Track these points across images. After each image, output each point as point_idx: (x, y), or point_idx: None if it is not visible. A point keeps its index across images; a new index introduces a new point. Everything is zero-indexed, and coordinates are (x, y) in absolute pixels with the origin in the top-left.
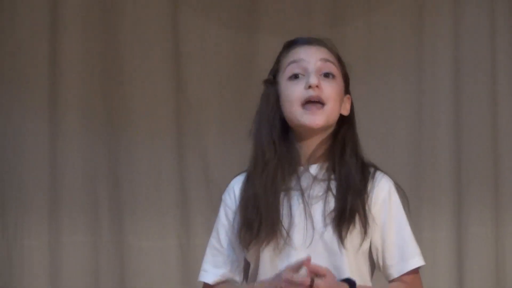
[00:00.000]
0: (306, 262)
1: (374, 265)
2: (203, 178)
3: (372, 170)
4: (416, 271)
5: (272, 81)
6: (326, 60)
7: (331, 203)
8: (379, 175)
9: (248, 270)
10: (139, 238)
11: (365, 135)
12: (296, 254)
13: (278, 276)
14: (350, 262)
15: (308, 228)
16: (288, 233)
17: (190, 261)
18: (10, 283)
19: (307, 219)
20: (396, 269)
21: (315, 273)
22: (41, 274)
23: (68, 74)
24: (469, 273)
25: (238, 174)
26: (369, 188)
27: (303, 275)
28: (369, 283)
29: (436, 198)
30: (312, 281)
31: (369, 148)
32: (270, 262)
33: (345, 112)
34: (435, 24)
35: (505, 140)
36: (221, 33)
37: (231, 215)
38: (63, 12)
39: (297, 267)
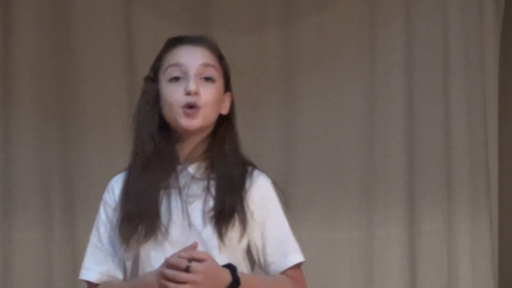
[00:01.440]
0: (192, 247)
1: (253, 262)
2: None
3: (250, 168)
4: (297, 266)
5: (152, 79)
6: (207, 65)
7: (210, 202)
8: (257, 174)
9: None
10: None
11: (317, 133)
12: (173, 250)
13: (163, 263)
14: (228, 258)
15: (185, 225)
16: (167, 230)
17: None
18: None
19: (184, 217)
20: (278, 266)
21: (194, 258)
22: None
23: (20, 70)
24: (421, 270)
25: (118, 173)
26: (247, 186)
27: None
28: None
29: (389, 195)
30: (188, 265)
31: (321, 145)
32: (148, 257)
33: (224, 111)
34: (388, 21)
35: (457, 138)
36: (173, 29)
37: (110, 213)
38: (15, 8)
39: (171, 266)
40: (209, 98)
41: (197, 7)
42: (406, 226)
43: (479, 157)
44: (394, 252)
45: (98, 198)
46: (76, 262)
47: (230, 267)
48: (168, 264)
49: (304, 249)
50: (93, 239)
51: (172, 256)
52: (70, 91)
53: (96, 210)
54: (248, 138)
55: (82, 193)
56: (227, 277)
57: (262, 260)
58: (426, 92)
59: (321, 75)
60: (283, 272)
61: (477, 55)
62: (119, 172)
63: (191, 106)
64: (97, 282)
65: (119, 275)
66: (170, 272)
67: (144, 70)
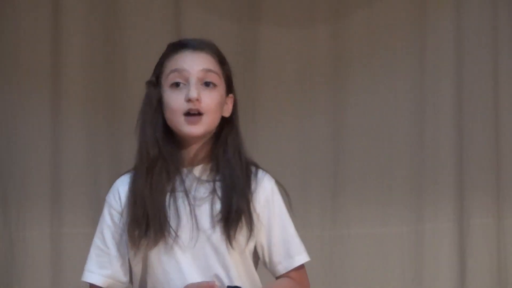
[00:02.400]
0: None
1: (258, 260)
2: None
3: (254, 169)
4: (302, 266)
5: (155, 83)
6: (208, 70)
7: (217, 204)
8: (261, 174)
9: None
10: None
11: (366, 127)
12: (183, 255)
13: None
14: (237, 261)
15: (194, 229)
16: (176, 234)
17: None
18: (12, 274)
19: (192, 220)
20: (283, 266)
21: None
22: (42, 266)
23: (70, 67)
24: (471, 264)
25: (122, 174)
26: (252, 187)
27: None
28: (256, 277)
29: (438, 189)
30: None
31: (370, 140)
32: (158, 263)
33: (227, 113)
34: (437, 15)
35: (506, 133)
36: (222, 25)
37: (116, 216)
38: (65, 3)
39: None
40: (211, 104)
41: (247, 2)
42: (456, 220)
43: None
44: (443, 246)
45: None
46: None
47: None
48: None
49: (354, 244)
50: (97, 241)
51: None
52: (120, 87)
53: None
54: (298, 133)
55: None
56: None
57: (267, 260)
58: (476, 87)
59: (370, 70)
60: (287, 273)
61: None
62: (123, 173)
63: (192, 113)
64: (101, 285)
65: (123, 278)
66: None
67: None
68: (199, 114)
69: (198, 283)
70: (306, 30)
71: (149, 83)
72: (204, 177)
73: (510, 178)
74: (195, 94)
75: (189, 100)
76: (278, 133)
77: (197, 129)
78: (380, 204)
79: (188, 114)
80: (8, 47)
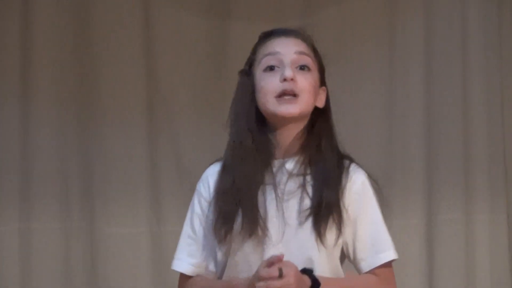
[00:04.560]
0: (278, 259)
1: (344, 256)
2: (174, 165)
3: (347, 163)
4: (388, 264)
5: (247, 72)
6: (302, 53)
7: (306, 200)
8: (353, 168)
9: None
10: (110, 224)
11: (336, 119)
12: (269, 249)
13: (254, 275)
14: (324, 257)
15: (281, 223)
16: (265, 225)
17: (161, 248)
18: None
19: (279, 214)
20: (368, 263)
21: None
22: (11, 260)
23: (39, 60)
24: (439, 260)
25: (212, 163)
26: (343, 182)
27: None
28: (341, 274)
29: (407, 186)
30: (281, 271)
31: (339, 135)
32: (243, 255)
33: (320, 104)
34: (407, 11)
35: (475, 129)
36: (193, 21)
37: (205, 206)
38: (35, 3)
39: (270, 263)
40: (306, 85)
41: None
42: (424, 216)
43: (497, 148)
44: (411, 242)
45: (117, 189)
46: (94, 252)
47: (307, 271)
48: (260, 277)
49: None
50: (187, 229)
51: (261, 267)
52: (89, 81)
53: (115, 200)
54: None
55: (101, 183)
56: (307, 279)
57: (352, 256)
58: (445, 84)
59: (339, 66)
60: (372, 271)
61: (495, 47)
62: (213, 162)
63: (287, 94)
64: (190, 274)
65: (212, 267)
66: (263, 284)
67: (164, 60)
68: (294, 95)
69: (269, 258)
70: (276, 26)
71: (242, 72)
72: (295, 171)
73: (478, 174)
74: (290, 73)
75: (284, 80)
76: None
77: (291, 108)
78: None
79: (282, 95)
80: None
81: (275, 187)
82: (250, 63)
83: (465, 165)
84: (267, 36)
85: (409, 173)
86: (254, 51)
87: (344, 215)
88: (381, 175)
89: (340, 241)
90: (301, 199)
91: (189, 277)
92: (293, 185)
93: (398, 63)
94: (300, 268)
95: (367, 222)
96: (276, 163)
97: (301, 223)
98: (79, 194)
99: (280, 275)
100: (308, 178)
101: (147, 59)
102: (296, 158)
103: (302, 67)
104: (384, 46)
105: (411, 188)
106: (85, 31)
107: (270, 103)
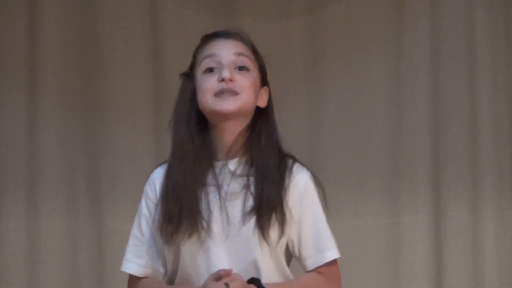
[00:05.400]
0: (226, 273)
1: (291, 255)
2: None
3: (290, 162)
4: (333, 262)
5: (188, 75)
6: (240, 54)
7: (250, 200)
8: (297, 168)
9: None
10: (118, 220)
11: (342, 120)
12: (215, 249)
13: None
14: (268, 256)
15: (224, 223)
16: (209, 226)
17: None
18: None
19: (223, 214)
20: (313, 261)
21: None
22: (18, 256)
23: (46, 57)
24: (447, 256)
25: (159, 165)
26: (286, 181)
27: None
28: (288, 274)
29: (415, 182)
30: (228, 286)
31: (346, 133)
32: (190, 255)
33: (262, 104)
34: (414, 8)
35: (483, 125)
36: (199, 19)
37: (152, 207)
38: (41, 1)
39: (217, 276)
40: (246, 83)
41: None
42: (432, 213)
43: (504, 144)
44: (419, 238)
45: (124, 185)
46: (101, 248)
47: (255, 281)
48: None
49: None
50: (135, 231)
51: (207, 282)
52: (96, 79)
53: (122, 196)
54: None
55: (108, 180)
56: None
57: (297, 254)
58: (452, 79)
59: (346, 63)
60: (318, 269)
61: (503, 45)
62: (160, 164)
63: (226, 91)
64: (138, 275)
65: (160, 268)
66: None
67: (170, 58)
68: (234, 92)
69: (217, 271)
70: (282, 23)
71: (183, 75)
72: (239, 171)
73: (486, 170)
74: (228, 74)
75: (222, 81)
76: None
77: (231, 104)
78: (357, 197)
79: (221, 93)
80: None
81: (218, 187)
82: (191, 67)
83: (473, 161)
84: (207, 38)
85: (417, 169)
86: (195, 54)
87: (287, 213)
88: (389, 171)
89: (284, 239)
90: (245, 199)
91: (138, 278)
92: (237, 186)
93: (405, 60)
94: (247, 278)
95: (310, 221)
96: (219, 164)
97: (244, 222)
98: (86, 191)
99: None
100: (252, 178)
101: (154, 57)
102: (238, 159)
103: (241, 68)
104: (391, 43)
105: (419, 184)
106: (91, 30)
107: (208, 102)
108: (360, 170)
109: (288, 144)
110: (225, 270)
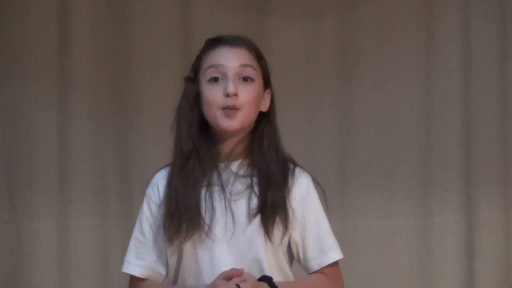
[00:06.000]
0: (238, 273)
1: (292, 257)
2: None
3: (291, 166)
4: (335, 264)
5: (192, 79)
6: (245, 65)
7: (254, 200)
8: (298, 171)
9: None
10: None
11: (374, 119)
12: (218, 248)
13: (211, 285)
14: (270, 256)
15: (229, 222)
16: (210, 227)
17: None
18: (19, 265)
19: (227, 214)
20: (316, 262)
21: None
22: (49, 257)
23: (77, 59)
24: (479, 257)
25: (161, 168)
26: (289, 183)
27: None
28: (289, 274)
29: (446, 182)
30: (239, 287)
31: (378, 132)
32: (192, 255)
33: (264, 108)
34: (445, 7)
35: None
36: (230, 16)
37: (154, 209)
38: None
39: (228, 276)
40: (248, 99)
41: None
42: (463, 213)
43: None
44: (451, 239)
45: None
46: None
47: (266, 279)
48: None
49: (361, 236)
50: (136, 233)
51: (217, 281)
52: (127, 77)
53: None
54: (305, 126)
55: (139, 180)
56: (266, 287)
57: (301, 256)
58: (483, 79)
59: (377, 62)
60: (321, 270)
61: None
62: (162, 167)
63: (230, 108)
64: (139, 276)
65: (161, 269)
66: None
67: None
68: (236, 108)
69: (228, 270)
70: (313, 22)
71: (187, 79)
72: (242, 172)
73: None
74: (233, 89)
75: (227, 95)
76: (285, 125)
77: (233, 123)
78: (387, 197)
79: (225, 108)
80: (15, 42)
81: (222, 188)
82: (195, 70)
83: (505, 160)
84: (212, 45)
85: (448, 169)
86: (199, 59)
87: (291, 215)
88: (420, 171)
89: (286, 239)
90: (250, 199)
91: (139, 279)
92: (240, 186)
93: (436, 58)
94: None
95: (314, 223)
96: (222, 165)
97: (250, 221)
98: (116, 191)
99: None
100: (255, 179)
101: (185, 54)
102: (240, 161)
103: (246, 78)
104: (421, 41)
105: (450, 184)
106: (123, 26)
107: (214, 115)
108: (391, 170)
109: (318, 144)
110: (236, 270)
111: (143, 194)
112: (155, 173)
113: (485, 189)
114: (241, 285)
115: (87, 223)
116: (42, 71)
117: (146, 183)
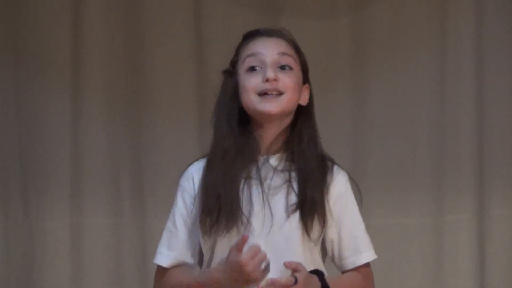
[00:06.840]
0: (242, 241)
1: (325, 254)
2: None
3: (330, 164)
4: (368, 264)
5: (231, 72)
6: (283, 54)
7: (292, 195)
8: (336, 169)
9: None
10: (161, 220)
11: (387, 118)
12: (254, 242)
13: (231, 263)
14: (306, 252)
15: (266, 217)
16: (248, 220)
17: None
18: (32, 264)
19: (265, 208)
20: (351, 261)
21: (293, 269)
22: (62, 256)
23: (90, 55)
24: (491, 255)
25: (196, 160)
26: (328, 181)
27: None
28: (322, 270)
29: (459, 180)
30: (296, 278)
31: (390, 130)
32: (227, 248)
33: (304, 102)
34: (459, 4)
35: None
36: (244, 16)
37: (189, 201)
38: None
39: (240, 247)
40: (289, 83)
41: None
42: (476, 211)
43: None
44: (463, 237)
45: (168, 185)
46: (145, 247)
47: (318, 273)
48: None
49: (373, 234)
50: (169, 224)
51: (233, 251)
52: (140, 76)
53: (166, 196)
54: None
55: (152, 179)
56: (317, 283)
57: (336, 254)
58: (496, 77)
59: (391, 60)
60: (356, 268)
61: None
62: (196, 159)
63: (269, 93)
64: (168, 267)
65: (191, 261)
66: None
67: (214, 56)
68: (278, 92)
69: (237, 240)
70: (327, 21)
71: (225, 72)
72: (280, 167)
73: None
74: (272, 75)
75: (266, 81)
76: None
77: (274, 106)
78: (400, 195)
79: (265, 93)
80: (29, 41)
81: (260, 182)
82: (234, 63)
83: None
84: (250, 36)
85: (461, 168)
86: (237, 52)
87: (328, 213)
88: (433, 170)
89: (322, 237)
90: (288, 194)
91: (166, 269)
92: (278, 180)
93: (449, 56)
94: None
95: (350, 222)
96: (260, 159)
97: (288, 217)
98: (130, 190)
99: (295, 283)
100: (294, 174)
101: (198, 53)
102: (279, 155)
103: (284, 67)
104: (435, 41)
105: (463, 183)
106: (136, 26)
107: (252, 101)
108: (404, 169)
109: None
110: (244, 240)
111: (156, 192)
112: (189, 165)
113: (498, 188)
114: (296, 274)
115: (100, 222)
116: (55, 70)
117: (180, 174)
